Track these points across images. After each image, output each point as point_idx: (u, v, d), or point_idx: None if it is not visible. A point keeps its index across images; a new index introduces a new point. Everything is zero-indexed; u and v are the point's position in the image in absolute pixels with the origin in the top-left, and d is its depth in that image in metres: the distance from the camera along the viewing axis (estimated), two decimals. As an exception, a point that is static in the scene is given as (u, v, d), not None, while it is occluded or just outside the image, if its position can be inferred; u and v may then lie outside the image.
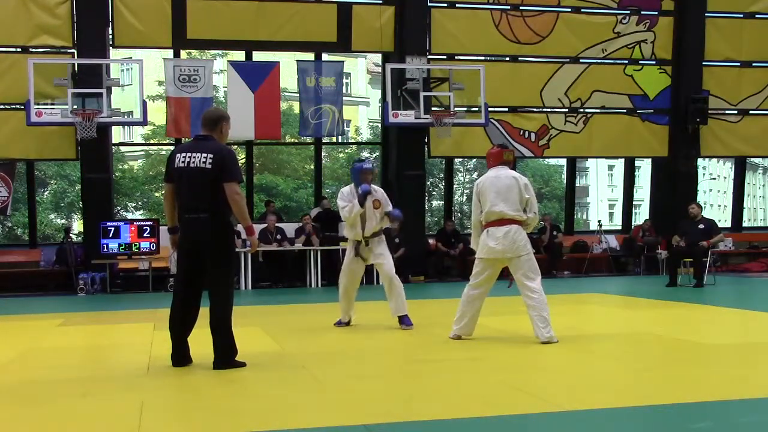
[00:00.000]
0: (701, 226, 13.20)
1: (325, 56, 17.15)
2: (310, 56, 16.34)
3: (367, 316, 9.00)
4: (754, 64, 17.85)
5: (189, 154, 5.65)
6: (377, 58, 22.30)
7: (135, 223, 14.90)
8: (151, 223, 14.93)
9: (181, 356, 5.80)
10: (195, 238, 5.66)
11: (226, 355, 5.64)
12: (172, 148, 18.01)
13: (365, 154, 32.93)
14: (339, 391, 4.98)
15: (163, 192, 28.48)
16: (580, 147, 17.50)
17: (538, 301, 6.63)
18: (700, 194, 21.03)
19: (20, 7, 14.56)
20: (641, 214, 27.57)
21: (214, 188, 5.56)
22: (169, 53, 15.87)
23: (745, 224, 20.37)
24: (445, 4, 16.52)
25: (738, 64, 17.81)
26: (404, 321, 7.84)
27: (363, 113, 38.40)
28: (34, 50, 14.81)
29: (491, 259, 6.80)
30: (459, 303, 7.08)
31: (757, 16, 17.70)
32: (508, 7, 16.65)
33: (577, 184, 21.97)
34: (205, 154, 5.60)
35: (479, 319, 7.08)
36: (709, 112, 17.16)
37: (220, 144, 5.75)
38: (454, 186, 27.08)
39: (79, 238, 16.69)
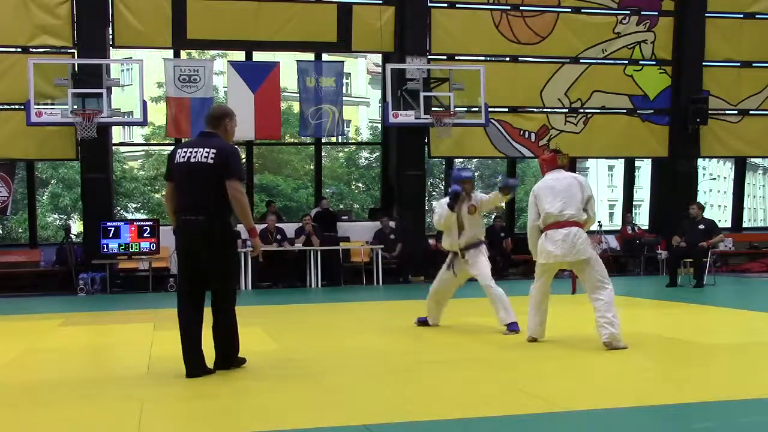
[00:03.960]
0: (701, 226, 13.20)
1: (325, 56, 17.14)
2: (310, 56, 16.34)
3: (366, 316, 9.00)
4: (754, 64, 17.85)
5: (190, 150, 5.45)
6: (377, 58, 22.29)
7: (135, 223, 14.90)
8: (151, 223, 14.92)
9: (198, 365, 5.41)
10: (193, 240, 5.42)
11: (227, 359, 5.54)
12: (172, 148, 17.98)
13: (365, 154, 32.95)
14: (339, 391, 4.98)
15: (162, 193, 28.44)
16: (580, 147, 17.49)
17: (604, 304, 6.34)
18: (700, 194, 21.02)
19: (20, 7, 14.56)
20: (641, 215, 27.58)
21: (215, 185, 5.31)
22: (169, 53, 15.87)
23: (745, 224, 20.36)
24: (445, 4, 16.52)
25: (738, 64, 17.81)
26: (510, 327, 7.37)
27: (363, 113, 38.38)
28: (34, 50, 14.81)
29: (550, 263, 6.62)
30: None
31: (757, 16, 17.70)
32: (508, 7, 16.65)
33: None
34: (207, 149, 5.39)
35: (479, 319, 7.09)
36: (709, 112, 17.16)
37: (223, 141, 5.56)
38: (454, 186, 27.01)
39: (79, 238, 16.67)
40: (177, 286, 5.78)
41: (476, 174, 32.55)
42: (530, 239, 6.83)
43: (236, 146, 6.08)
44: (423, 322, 8.02)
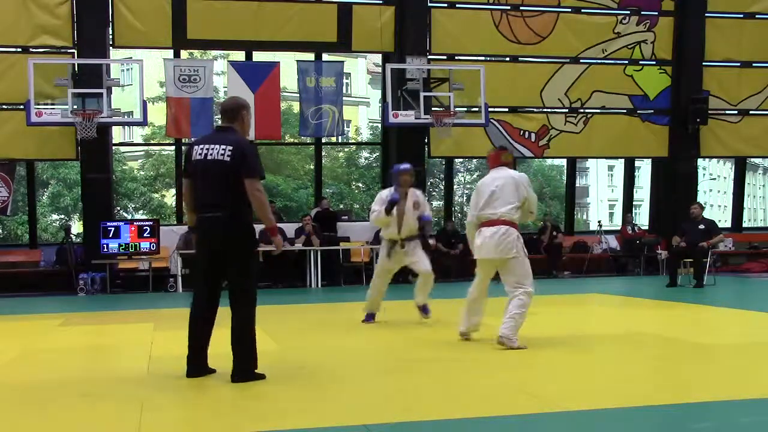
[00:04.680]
0: (701, 226, 13.19)
1: (325, 56, 17.14)
2: (310, 56, 16.34)
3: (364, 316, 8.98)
4: (754, 65, 17.85)
5: (207, 146, 5.29)
6: (377, 58, 22.30)
7: (135, 223, 14.90)
8: (151, 223, 14.93)
9: (199, 365, 5.34)
10: (212, 238, 5.27)
11: (245, 367, 5.20)
12: (172, 148, 18.18)
13: (365, 154, 32.95)
14: (339, 391, 4.97)
15: (162, 193, 28.36)
16: (580, 147, 17.50)
17: (513, 306, 6.47)
18: (700, 194, 21.02)
19: (20, 7, 14.56)
20: (641, 215, 27.58)
21: (232, 183, 5.16)
22: (170, 53, 15.87)
23: (745, 224, 20.36)
24: (445, 4, 16.52)
25: (738, 64, 17.81)
26: (424, 309, 8.37)
27: (363, 113, 38.39)
28: (34, 50, 14.81)
29: (481, 259, 6.77)
30: (462, 303, 7.10)
31: (757, 16, 17.70)
32: (508, 8, 16.65)
33: (577, 185, 21.98)
34: (224, 146, 5.21)
35: (478, 319, 7.08)
36: (709, 112, 17.16)
37: (240, 136, 5.37)
38: (455, 186, 27.09)
39: (79, 238, 16.67)
40: (192, 284, 5.65)
41: (476, 174, 32.59)
42: (468, 235, 7.02)
43: (251, 143, 5.90)
44: (371, 318, 8.56)
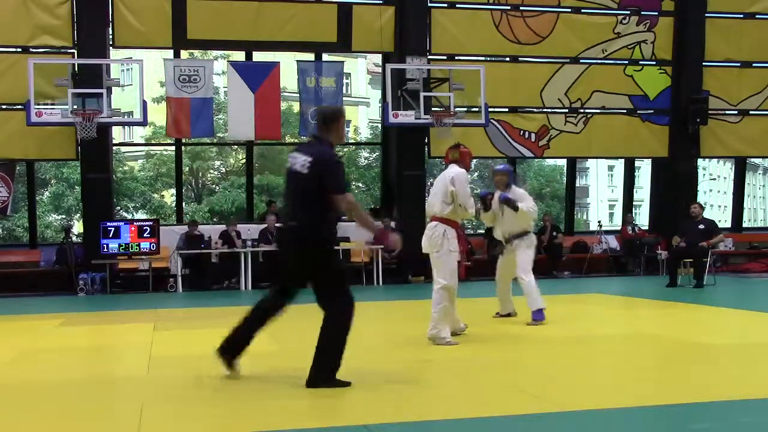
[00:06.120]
0: (701, 226, 13.18)
1: (325, 56, 17.14)
2: (310, 56, 16.34)
3: (366, 316, 8.99)
4: (754, 65, 17.84)
5: (296, 155, 5.20)
6: (377, 58, 22.30)
7: (135, 223, 14.90)
8: (151, 223, 14.93)
9: (229, 348, 5.22)
10: (285, 248, 5.27)
11: (322, 376, 5.01)
12: (172, 148, 18.18)
13: (365, 154, 32.95)
14: (339, 391, 4.97)
15: (162, 193, 28.35)
16: (580, 147, 17.49)
17: (433, 300, 6.73)
18: (700, 195, 21.03)
19: (20, 7, 14.55)
20: (641, 215, 27.56)
21: (307, 195, 5.05)
22: (170, 53, 15.87)
23: (745, 225, 20.35)
24: (445, 4, 16.51)
25: (738, 64, 17.80)
26: (534, 316, 7.91)
27: (363, 113, 38.39)
28: (34, 50, 14.80)
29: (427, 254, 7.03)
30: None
31: (757, 16, 17.69)
32: (508, 8, 16.65)
33: (577, 185, 21.96)
34: (305, 158, 5.10)
35: (478, 319, 7.10)
36: (709, 112, 17.15)
37: (326, 149, 5.17)
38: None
39: (79, 238, 16.67)
40: (269, 286, 5.59)
41: (476, 174, 32.59)
42: None
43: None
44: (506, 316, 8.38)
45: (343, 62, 17.02)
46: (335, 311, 5.11)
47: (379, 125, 21.38)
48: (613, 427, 4.06)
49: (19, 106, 14.01)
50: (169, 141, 18.80)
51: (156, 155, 30.30)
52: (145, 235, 14.33)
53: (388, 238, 5.44)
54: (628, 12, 17.27)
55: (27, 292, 14.05)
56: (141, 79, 14.23)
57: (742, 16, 17.69)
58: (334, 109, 5.45)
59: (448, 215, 6.82)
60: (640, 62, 17.44)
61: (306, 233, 5.10)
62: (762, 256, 17.59)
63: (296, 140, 26.20)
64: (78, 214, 28.30)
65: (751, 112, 17.92)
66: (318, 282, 5.16)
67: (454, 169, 6.97)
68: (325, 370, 5.01)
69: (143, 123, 15.76)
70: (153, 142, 28.98)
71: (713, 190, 52.09)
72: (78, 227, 26.35)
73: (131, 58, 19.79)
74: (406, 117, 14.99)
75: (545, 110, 17.12)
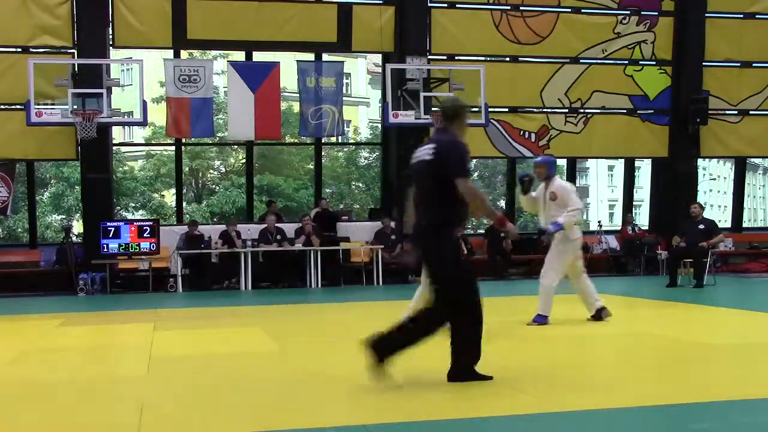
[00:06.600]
0: (701, 226, 13.18)
1: (325, 56, 17.14)
2: (310, 56, 16.34)
3: (366, 316, 8.99)
4: (754, 65, 17.85)
5: (420, 149, 5.16)
6: (377, 58, 22.30)
7: (135, 223, 14.90)
8: (151, 223, 14.93)
9: (377, 342, 5.05)
10: (416, 243, 5.18)
11: (460, 370, 5.01)
12: (172, 148, 18.18)
13: (365, 154, 32.94)
14: (339, 391, 4.97)
15: (162, 193, 28.34)
16: (580, 147, 17.49)
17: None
18: (700, 195, 21.03)
19: (20, 7, 14.56)
20: (641, 215, 27.56)
21: (433, 183, 4.96)
22: (170, 53, 15.87)
23: (745, 225, 20.36)
24: (445, 4, 16.52)
25: (738, 64, 17.81)
26: (535, 318, 7.84)
27: (363, 113, 38.38)
28: (34, 50, 14.81)
29: None
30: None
31: (757, 16, 17.69)
32: (508, 8, 16.65)
33: (577, 185, 21.92)
34: (429, 146, 5.06)
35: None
36: (709, 112, 17.15)
37: (449, 135, 5.11)
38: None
39: (79, 238, 16.67)
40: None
41: (476, 174, 32.60)
42: None
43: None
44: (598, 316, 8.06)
45: (343, 62, 17.02)
46: (454, 309, 5.03)
47: (379, 125, 21.38)
48: (613, 427, 4.06)
49: (19, 106, 14.02)
50: (169, 141, 18.80)
51: (156, 155, 30.29)
52: (145, 235, 14.33)
53: (506, 224, 5.34)
54: (628, 12, 17.27)
55: (27, 292, 14.06)
56: (141, 79, 14.23)
57: (742, 16, 17.69)
58: (456, 106, 5.27)
59: None
60: (640, 62, 17.45)
61: (431, 226, 5.00)
62: (762, 256, 17.59)
63: (296, 140, 26.29)
64: (78, 214, 28.32)
65: (751, 112, 17.92)
66: (439, 276, 5.08)
67: None
68: (463, 365, 4.99)
69: (143, 123, 15.76)
70: (153, 142, 28.98)
71: (713, 190, 52.10)
72: (78, 227, 26.37)
73: (131, 58, 19.78)
74: (406, 117, 14.99)
75: (545, 110, 17.13)
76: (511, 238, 5.48)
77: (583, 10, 17.05)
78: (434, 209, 5.00)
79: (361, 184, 32.71)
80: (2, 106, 14.88)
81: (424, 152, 5.08)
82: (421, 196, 5.10)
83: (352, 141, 33.22)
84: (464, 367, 5.01)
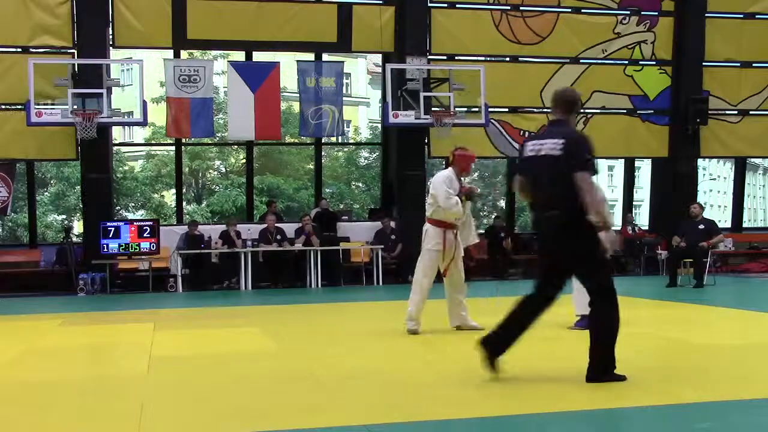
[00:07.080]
0: (701, 226, 13.18)
1: (325, 56, 17.15)
2: (310, 56, 16.34)
3: (366, 316, 9.00)
4: (754, 65, 17.84)
5: (540, 142, 5.05)
6: (377, 58, 22.31)
7: (135, 223, 14.90)
8: (151, 223, 14.93)
9: (491, 341, 5.11)
10: (546, 237, 5.07)
11: (599, 370, 4.91)
12: (172, 148, 18.17)
13: (365, 154, 32.93)
14: (339, 391, 4.98)
15: (162, 193, 28.43)
16: (580, 147, 17.46)
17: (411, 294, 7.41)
18: (700, 195, 21.01)
19: (20, 7, 14.55)
20: (641, 215, 27.56)
21: (564, 178, 4.84)
22: (170, 53, 15.87)
23: (745, 225, 20.36)
24: (445, 4, 16.51)
25: (738, 64, 17.80)
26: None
27: (363, 113, 38.37)
28: (34, 50, 14.81)
29: None
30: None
31: (757, 16, 17.68)
32: (508, 8, 16.64)
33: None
34: (555, 140, 4.94)
35: (482, 320, 7.12)
36: (709, 112, 17.15)
37: (572, 129, 5.12)
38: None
39: (79, 238, 16.68)
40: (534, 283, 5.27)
41: (476, 174, 32.56)
42: None
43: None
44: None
45: (343, 62, 17.02)
46: (598, 306, 4.98)
47: (379, 125, 21.38)
48: (613, 427, 4.06)
49: (19, 106, 14.02)
50: (169, 141, 18.79)
51: (157, 156, 30.29)
52: (145, 235, 14.33)
53: (608, 231, 5.24)
54: (628, 12, 17.26)
55: (27, 292, 14.05)
56: (141, 79, 14.24)
57: (742, 16, 17.68)
58: (575, 96, 5.25)
59: (432, 216, 7.37)
60: (640, 62, 17.44)
61: (567, 220, 4.89)
62: (762, 256, 17.59)
63: (296, 140, 26.28)
64: (78, 214, 28.32)
65: (751, 112, 17.92)
66: (578, 272, 5.08)
67: (440, 172, 7.47)
68: (599, 366, 4.90)
69: (143, 123, 15.77)
70: (153, 142, 28.97)
71: (713, 190, 52.08)
72: (78, 227, 26.37)
73: (131, 58, 19.80)
74: (406, 117, 15.00)
75: (545, 110, 17.09)
76: (611, 246, 5.32)
77: (583, 10, 17.05)
78: (570, 201, 4.85)
79: (361, 184, 32.70)
80: (2, 106, 14.88)
81: (548, 146, 4.97)
82: (550, 191, 4.98)
83: (352, 141, 33.21)
84: (602, 368, 4.90)
